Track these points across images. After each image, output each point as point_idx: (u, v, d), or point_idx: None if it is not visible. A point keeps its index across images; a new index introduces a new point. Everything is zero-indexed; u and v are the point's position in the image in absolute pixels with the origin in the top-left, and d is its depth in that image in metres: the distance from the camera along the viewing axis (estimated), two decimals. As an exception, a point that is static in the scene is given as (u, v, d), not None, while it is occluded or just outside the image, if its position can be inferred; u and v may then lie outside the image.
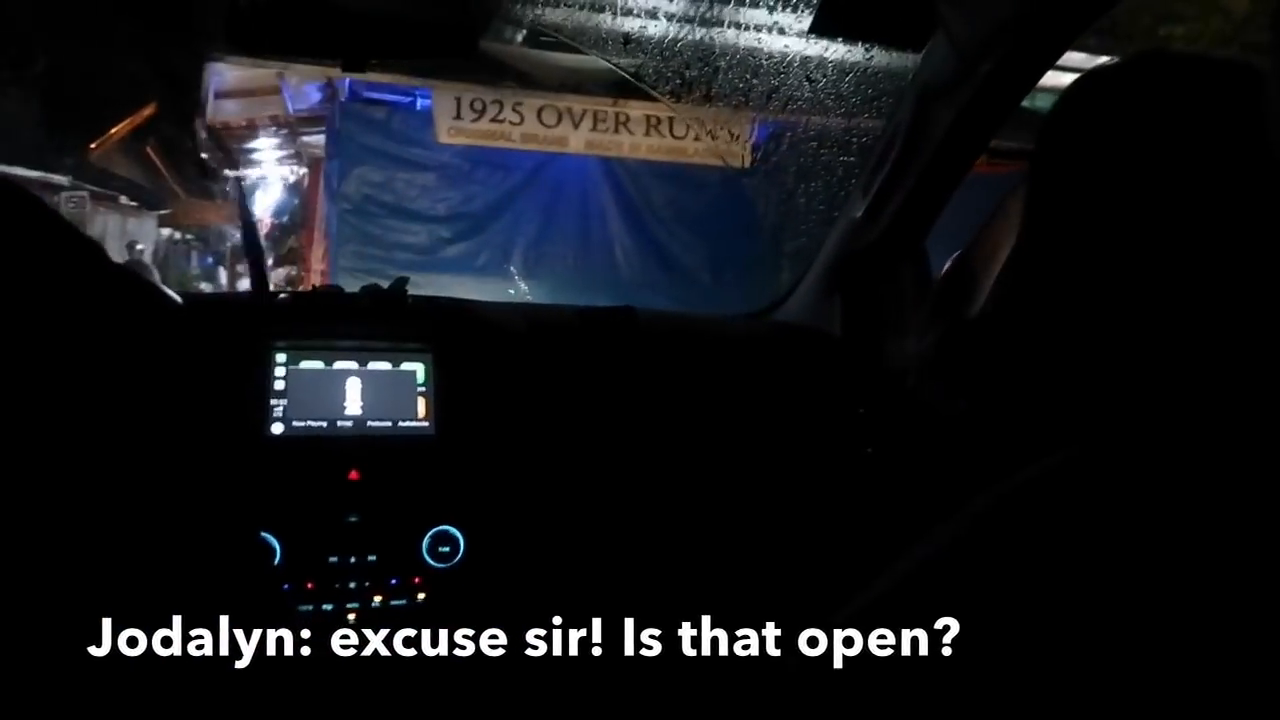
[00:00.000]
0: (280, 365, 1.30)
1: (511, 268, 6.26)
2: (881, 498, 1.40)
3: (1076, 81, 0.71)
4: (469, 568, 1.28)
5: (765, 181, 5.87)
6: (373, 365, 1.34)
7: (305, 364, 1.32)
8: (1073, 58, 1.35)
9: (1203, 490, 0.32)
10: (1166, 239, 0.64)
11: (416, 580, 1.27)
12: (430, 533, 1.28)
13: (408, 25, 1.24)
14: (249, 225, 1.54)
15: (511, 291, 6.03)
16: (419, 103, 5.99)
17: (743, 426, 1.49)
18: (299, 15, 1.19)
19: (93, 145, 9.13)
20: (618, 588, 1.42)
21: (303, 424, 1.29)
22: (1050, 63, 1.33)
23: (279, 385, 1.30)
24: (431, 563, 1.27)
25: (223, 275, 11.67)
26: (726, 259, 6.33)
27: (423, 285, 1.62)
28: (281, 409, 1.29)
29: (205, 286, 11.94)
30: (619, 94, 5.76)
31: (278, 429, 1.28)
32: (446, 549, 1.28)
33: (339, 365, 1.33)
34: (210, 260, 13.57)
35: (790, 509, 1.46)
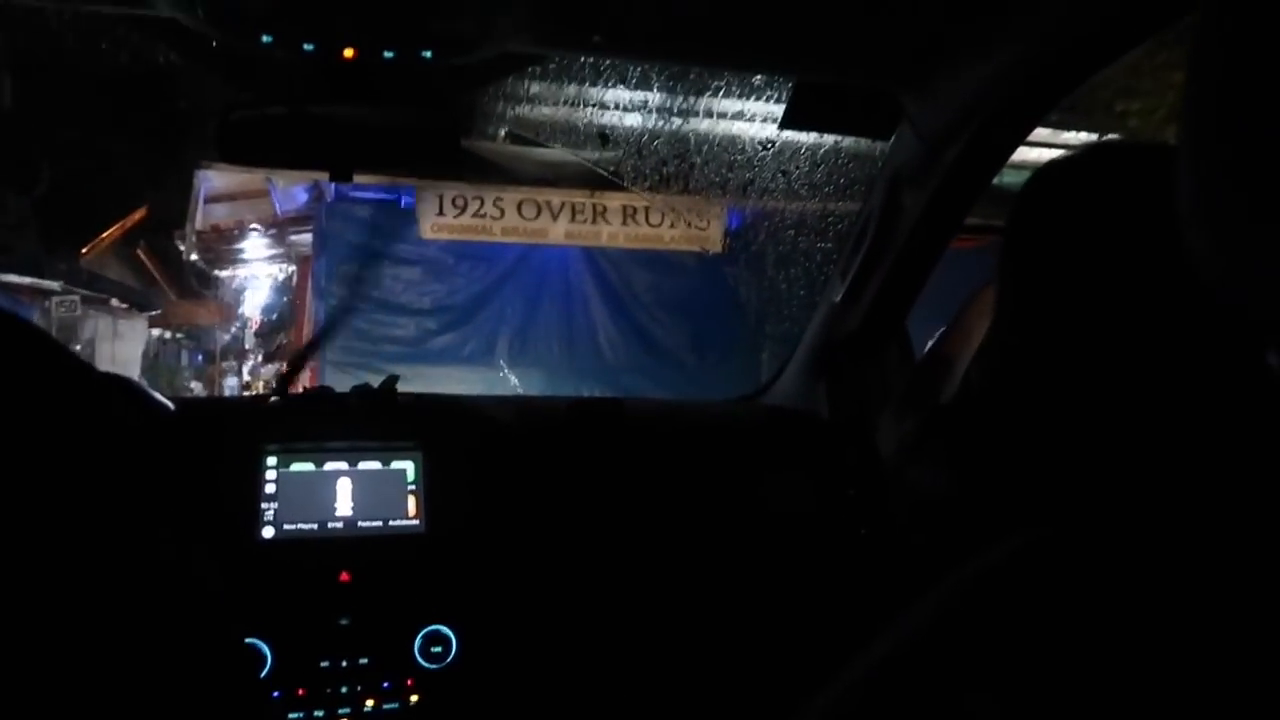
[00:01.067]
0: (271, 469, 1.31)
1: (498, 357, 6.31)
2: (876, 579, 1.40)
3: (1041, 169, 0.74)
4: (462, 668, 1.27)
5: (744, 265, 6.00)
6: (363, 465, 1.35)
7: (296, 466, 1.32)
8: (1036, 131, 1.40)
9: (1169, 572, 0.34)
10: (1130, 319, 0.66)
11: (409, 682, 1.25)
12: (422, 633, 1.27)
13: (391, 134, 1.29)
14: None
15: (503, 383, 6.07)
16: (403, 200, 6.11)
17: (735, 512, 1.50)
18: (286, 128, 1.23)
19: (84, 250, 9.25)
20: (614, 681, 1.40)
21: (293, 527, 1.29)
22: (1014, 146, 1.38)
23: (270, 489, 1.30)
24: (424, 664, 1.26)
25: (231, 375, 11.70)
26: (709, 341, 6.41)
27: (410, 376, 1.64)
28: (272, 512, 1.29)
29: (195, 384, 11.95)
30: (596, 185, 5.90)
31: (268, 533, 1.28)
32: (439, 649, 1.27)
33: (329, 466, 1.34)
34: (200, 358, 13.62)
35: (786, 593, 1.46)
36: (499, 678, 1.32)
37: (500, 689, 1.32)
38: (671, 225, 6.07)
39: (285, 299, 10.70)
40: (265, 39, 1.02)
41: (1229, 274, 0.31)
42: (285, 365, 1.95)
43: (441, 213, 5.97)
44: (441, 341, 6.18)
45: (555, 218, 6.11)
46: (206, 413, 1.47)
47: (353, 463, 1.35)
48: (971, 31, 1.13)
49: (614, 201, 6.07)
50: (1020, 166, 1.30)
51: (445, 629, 1.27)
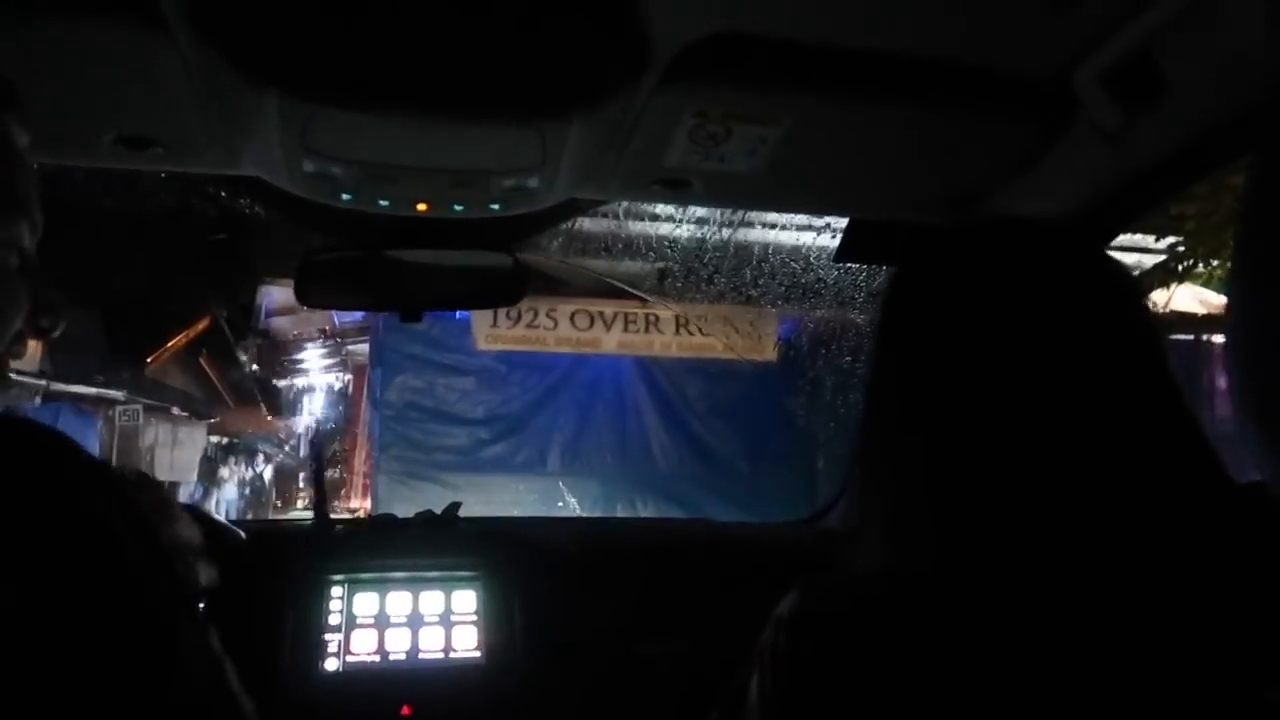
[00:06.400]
0: (337, 599, 1.33)
1: (550, 466, 6.33)
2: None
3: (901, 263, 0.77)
4: None
5: (796, 374, 6.00)
6: (425, 594, 1.36)
7: (360, 596, 1.34)
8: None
9: None
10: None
11: None
12: None
13: (459, 274, 1.34)
14: (318, 469, 1.60)
15: (557, 492, 6.08)
16: (458, 312, 6.26)
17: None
18: (361, 273, 1.29)
19: (150, 360, 9.56)
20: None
21: (356, 659, 1.30)
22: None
23: (335, 620, 1.31)
24: None
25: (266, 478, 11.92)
26: (762, 449, 6.36)
27: (462, 485, 1.66)
28: (337, 644, 1.30)
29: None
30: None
31: (332, 665, 1.29)
32: None
33: (393, 596, 1.35)
34: (256, 464, 13.92)
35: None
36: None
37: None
38: (724, 335, 6.13)
39: (340, 407, 10.90)
40: (345, 196, 1.09)
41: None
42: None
43: (496, 324, 6.11)
44: (494, 451, 6.23)
45: (608, 327, 6.21)
46: (275, 541, 1.50)
47: (416, 592, 1.36)
48: (1013, 172, 1.16)
49: (666, 311, 6.16)
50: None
51: None
